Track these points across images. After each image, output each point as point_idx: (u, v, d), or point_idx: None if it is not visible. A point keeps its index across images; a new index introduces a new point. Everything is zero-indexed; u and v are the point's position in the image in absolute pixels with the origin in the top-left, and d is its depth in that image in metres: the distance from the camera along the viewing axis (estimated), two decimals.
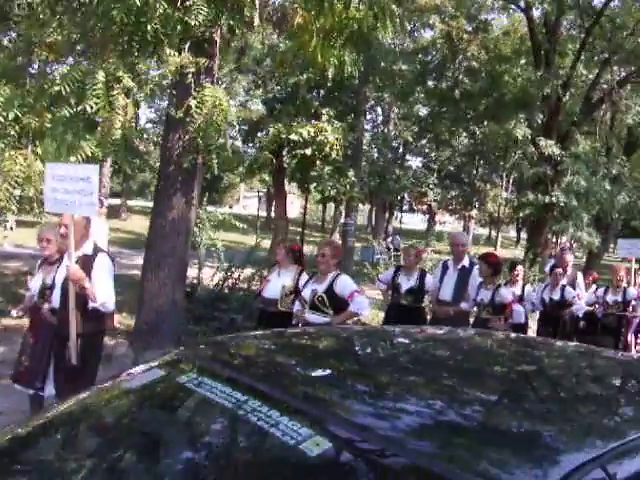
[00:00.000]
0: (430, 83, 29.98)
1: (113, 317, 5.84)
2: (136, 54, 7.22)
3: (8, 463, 1.94)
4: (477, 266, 7.80)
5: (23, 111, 6.75)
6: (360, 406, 1.85)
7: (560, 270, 9.87)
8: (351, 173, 21.25)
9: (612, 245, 27.87)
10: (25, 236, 16.33)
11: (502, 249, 40.75)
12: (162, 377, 2.22)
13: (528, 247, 21.80)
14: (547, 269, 12.17)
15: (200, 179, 8.82)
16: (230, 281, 10.49)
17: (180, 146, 8.07)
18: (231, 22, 7.61)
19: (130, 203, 42.11)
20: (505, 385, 2.27)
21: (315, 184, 21.24)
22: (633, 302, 10.03)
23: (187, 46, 7.52)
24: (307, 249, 13.21)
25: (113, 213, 31.21)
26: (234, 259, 10.89)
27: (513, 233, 63.08)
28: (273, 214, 33.31)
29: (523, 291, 9.44)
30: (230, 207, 60.75)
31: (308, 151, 18.73)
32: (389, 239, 30.36)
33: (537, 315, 10.15)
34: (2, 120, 6.62)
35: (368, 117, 34.53)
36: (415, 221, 59.65)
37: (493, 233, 52.46)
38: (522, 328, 8.19)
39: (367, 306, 6.28)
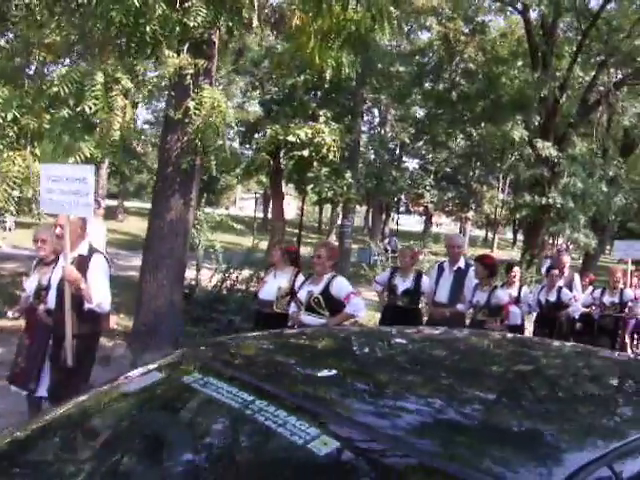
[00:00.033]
0: (427, 85, 29.99)
1: (109, 318, 5.81)
2: (135, 55, 7.22)
3: (10, 466, 1.93)
4: (473, 268, 7.79)
5: (21, 112, 6.76)
6: (367, 406, 1.86)
7: (556, 271, 9.90)
8: (348, 175, 21.24)
9: (608, 247, 27.94)
10: (23, 237, 16.31)
11: (498, 250, 40.81)
12: (167, 378, 2.23)
13: (525, 249, 21.85)
14: (544, 270, 12.21)
15: (198, 180, 8.82)
16: (228, 282, 10.49)
17: (178, 147, 8.08)
18: (230, 23, 7.62)
19: (127, 204, 42.06)
20: (509, 385, 2.28)
21: (312, 185, 21.24)
22: (630, 303, 10.07)
23: (186, 47, 7.53)
24: (304, 250, 13.22)
25: (110, 214, 31.13)
26: (232, 260, 10.90)
27: (509, 235, 63.15)
28: (270, 215, 33.32)
29: (520, 293, 9.45)
30: (226, 208, 60.61)
31: (305, 152, 18.73)
32: (386, 240, 30.37)
33: (533, 317, 10.16)
34: (0, 121, 6.62)
35: (365, 119, 34.49)
36: (411, 223, 59.67)
37: (489, 235, 52.52)
38: (518, 330, 8.20)
39: (363, 308, 6.26)
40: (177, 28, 7.05)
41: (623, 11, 20.79)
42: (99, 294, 5.01)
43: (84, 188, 4.96)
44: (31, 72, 8.45)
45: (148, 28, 6.73)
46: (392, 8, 8.54)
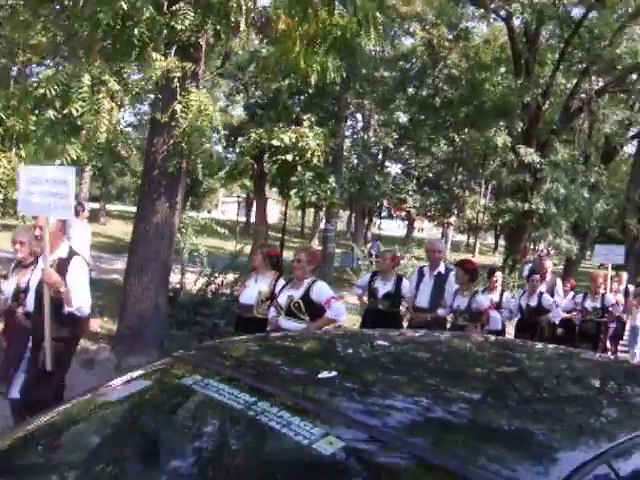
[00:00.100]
0: (411, 90, 30.12)
1: (89, 321, 5.76)
2: (121, 58, 7.20)
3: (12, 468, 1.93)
4: (453, 272, 7.83)
5: (7, 113, 6.72)
6: (370, 406, 1.87)
7: (537, 277, 9.99)
8: (332, 179, 21.27)
9: (589, 253, 28.16)
10: (6, 239, 16.14)
11: (480, 255, 41.03)
12: (166, 381, 2.23)
13: (507, 254, 21.98)
14: (525, 275, 12.31)
15: (184, 184, 8.80)
16: (213, 286, 10.47)
17: (165, 150, 8.04)
18: (217, 27, 7.61)
19: (109, 207, 41.85)
20: (501, 385, 2.31)
21: (296, 190, 21.23)
22: (610, 308, 10.17)
23: (173, 50, 7.52)
24: (287, 255, 13.22)
25: (92, 217, 30.95)
26: (216, 264, 10.88)
27: (491, 240, 63.43)
28: (252, 219, 33.23)
29: (501, 298, 9.52)
30: (209, 212, 60.49)
31: (289, 157, 18.75)
32: (369, 245, 30.40)
33: (515, 322, 10.23)
34: None
35: (348, 123, 34.55)
36: (393, 227, 59.81)
37: (471, 240, 52.76)
38: (499, 335, 8.23)
39: (344, 312, 6.21)
40: (165, 31, 7.04)
41: (605, 20, 20.98)
42: (79, 297, 4.97)
43: (64, 190, 4.93)
44: (13, 73, 8.38)
45: (136, 31, 6.71)
46: (378, 13, 8.58)
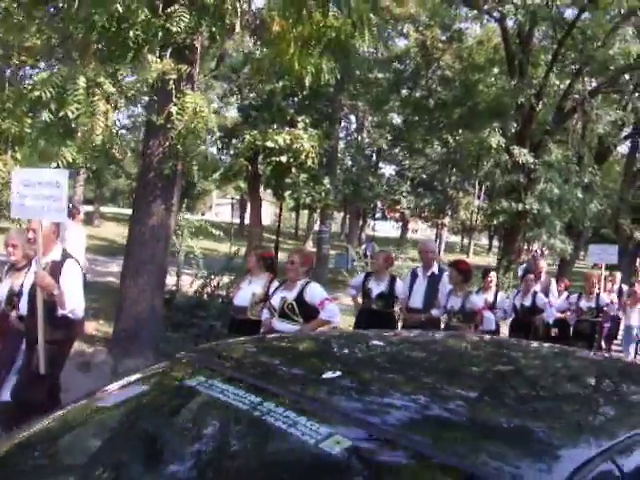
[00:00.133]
0: (404, 92, 30.12)
1: (83, 324, 5.75)
2: (117, 60, 7.19)
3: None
4: (447, 273, 7.84)
5: (2, 116, 6.71)
6: (376, 405, 1.88)
7: (531, 276, 10.01)
8: (326, 181, 21.28)
9: (582, 253, 28.26)
10: (0, 242, 16.07)
11: (474, 256, 41.10)
12: (169, 382, 2.24)
13: (502, 255, 22.02)
14: (520, 275, 12.35)
15: (180, 186, 8.80)
16: (209, 288, 10.47)
17: (160, 152, 8.04)
18: (213, 29, 7.62)
19: (103, 210, 41.76)
20: (507, 383, 2.32)
21: (290, 191, 21.23)
22: (605, 308, 10.22)
23: (168, 52, 7.52)
24: (281, 256, 13.23)
25: (86, 220, 30.89)
26: (212, 266, 10.89)
27: (485, 241, 63.51)
28: (247, 221, 33.18)
29: (496, 298, 9.53)
30: (202, 214, 60.33)
31: (284, 158, 18.73)
32: (363, 246, 30.40)
33: (509, 321, 10.25)
34: None
35: (342, 125, 34.55)
36: (386, 229, 59.79)
37: (465, 241, 52.83)
38: (493, 335, 8.25)
39: (338, 313, 6.19)
40: (160, 33, 7.04)
41: (597, 21, 21.02)
42: (72, 300, 4.97)
43: (57, 193, 4.93)
44: (8, 75, 8.36)
45: (131, 33, 6.71)
46: (372, 15, 8.59)
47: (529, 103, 20.66)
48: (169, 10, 7.08)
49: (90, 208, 37.34)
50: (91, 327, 9.04)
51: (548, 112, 23.69)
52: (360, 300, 8.42)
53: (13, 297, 5.34)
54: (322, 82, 8.81)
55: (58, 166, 6.45)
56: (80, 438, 2.09)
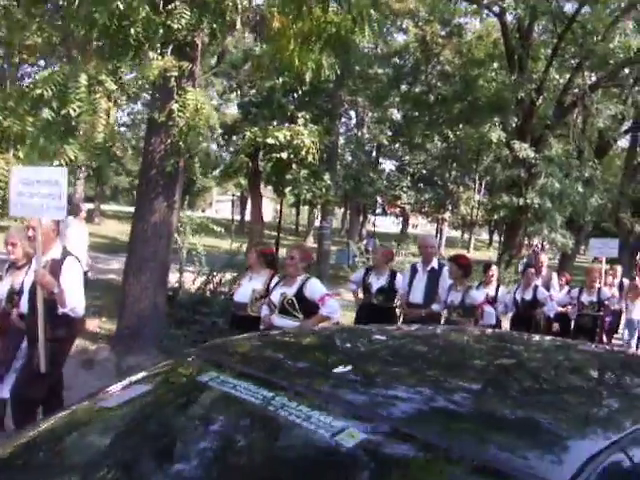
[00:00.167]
0: (404, 87, 30.13)
1: (84, 322, 5.75)
2: (118, 57, 7.20)
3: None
4: (446, 268, 7.84)
5: (4, 114, 6.71)
6: (389, 399, 1.89)
7: (532, 270, 9.99)
8: (327, 177, 21.27)
9: (583, 247, 28.29)
10: (1, 241, 16.06)
11: (475, 251, 41.08)
12: (178, 379, 2.25)
13: (504, 249, 22.02)
14: (521, 270, 12.36)
15: (182, 183, 8.81)
16: (211, 285, 10.48)
17: (162, 150, 8.05)
18: (214, 26, 7.62)
19: (103, 207, 41.79)
20: (519, 377, 2.34)
21: (291, 187, 21.23)
22: (606, 302, 10.23)
23: (169, 50, 7.53)
24: (282, 252, 13.23)
25: (87, 217, 30.93)
26: (214, 263, 10.90)
27: (485, 236, 63.50)
28: (247, 218, 33.17)
29: (497, 292, 9.52)
30: (203, 211, 60.38)
31: (284, 155, 18.71)
32: (364, 242, 30.41)
33: (510, 316, 10.25)
34: None
35: (342, 121, 34.54)
36: (387, 224, 59.75)
37: (465, 235, 52.82)
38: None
39: (338, 309, 6.17)
40: (161, 30, 7.05)
41: (597, 15, 21.02)
42: (73, 298, 4.97)
43: (57, 191, 4.93)
44: (8, 74, 8.37)
45: (132, 30, 6.71)
46: (372, 10, 8.59)
47: (529, 98, 20.67)
48: (170, 7, 7.08)
49: (91, 206, 37.38)
50: (92, 325, 9.04)
51: (548, 106, 23.70)
52: (361, 295, 8.44)
53: (14, 295, 5.36)
54: (322, 78, 8.81)
55: (60, 164, 6.45)
56: (96, 436, 2.09)
